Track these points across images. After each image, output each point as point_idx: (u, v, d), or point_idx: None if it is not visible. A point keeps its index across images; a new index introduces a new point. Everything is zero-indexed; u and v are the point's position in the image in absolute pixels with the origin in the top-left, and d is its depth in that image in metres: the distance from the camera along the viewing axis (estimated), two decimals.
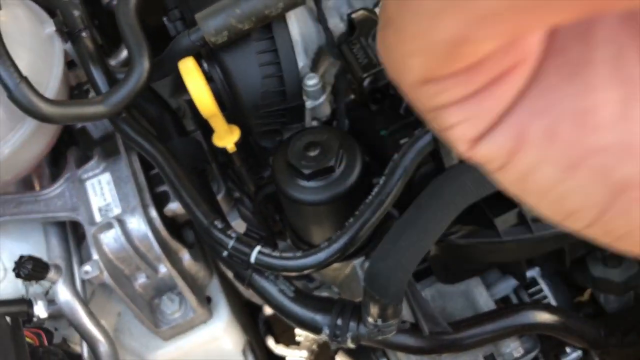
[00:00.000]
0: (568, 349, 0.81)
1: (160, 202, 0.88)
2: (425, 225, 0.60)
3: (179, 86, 1.13)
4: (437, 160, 0.70)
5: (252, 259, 0.69)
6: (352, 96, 0.91)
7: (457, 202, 0.60)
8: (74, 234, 0.93)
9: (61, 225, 0.91)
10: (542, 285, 0.81)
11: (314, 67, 0.80)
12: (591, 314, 0.83)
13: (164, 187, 0.89)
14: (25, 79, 0.68)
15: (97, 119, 0.79)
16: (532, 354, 0.77)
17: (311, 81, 0.77)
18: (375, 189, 0.68)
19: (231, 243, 0.70)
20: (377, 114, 0.89)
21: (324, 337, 0.72)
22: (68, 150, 0.93)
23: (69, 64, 0.93)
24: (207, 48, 0.78)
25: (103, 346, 0.88)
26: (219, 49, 0.76)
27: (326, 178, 0.71)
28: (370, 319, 0.66)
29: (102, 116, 0.74)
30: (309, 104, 0.79)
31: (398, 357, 0.80)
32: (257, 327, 1.25)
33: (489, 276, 0.84)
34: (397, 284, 0.60)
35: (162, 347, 0.96)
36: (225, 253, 0.72)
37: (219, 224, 0.72)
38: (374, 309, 0.64)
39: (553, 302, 0.80)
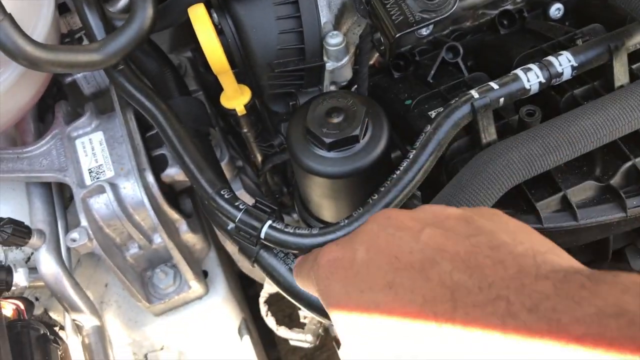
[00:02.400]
0: None
1: (157, 166, 0.80)
2: (465, 205, 0.53)
3: (180, 40, 1.04)
4: (473, 134, 0.63)
5: (262, 234, 0.62)
6: (372, 61, 0.83)
7: (502, 182, 0.53)
8: (60, 197, 0.85)
9: (46, 186, 0.83)
10: None
11: (336, 24, 0.72)
12: None
13: (162, 151, 0.81)
14: (9, 16, 0.59)
15: (91, 69, 0.71)
16: None
17: (334, 40, 0.69)
18: (404, 164, 0.60)
19: (239, 215, 0.63)
20: (400, 81, 0.81)
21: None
22: (57, 104, 0.84)
23: (61, 8, 0.84)
24: None
25: (88, 319, 0.81)
26: None
27: (349, 149, 0.63)
28: None
29: (97, 65, 0.66)
30: (329, 65, 0.71)
31: None
32: (249, 300, 1.18)
33: None
34: None
35: (152, 322, 0.89)
36: (231, 226, 0.64)
37: (225, 193, 0.64)
38: None
39: None
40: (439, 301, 0.34)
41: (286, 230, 0.63)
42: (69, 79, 0.92)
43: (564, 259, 0.34)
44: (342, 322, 0.40)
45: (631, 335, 0.27)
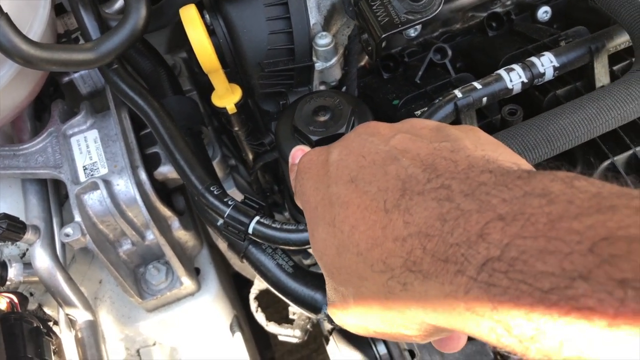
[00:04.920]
0: None
1: (150, 164, 0.82)
2: None
3: (176, 42, 1.06)
4: None
5: (250, 230, 0.63)
6: (362, 63, 0.85)
7: None
8: (55, 194, 0.87)
9: (42, 184, 0.84)
10: None
11: (325, 25, 0.73)
12: None
13: (156, 149, 0.82)
14: (5, 16, 0.61)
15: (85, 67, 0.72)
16: None
17: (323, 40, 0.71)
18: None
19: (228, 211, 0.64)
20: (389, 82, 0.83)
21: (322, 317, 0.67)
22: (53, 102, 0.86)
23: (58, 9, 0.86)
24: None
25: (81, 314, 0.83)
26: None
27: None
28: None
29: (91, 64, 0.67)
30: (318, 65, 0.73)
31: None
32: (244, 300, 1.20)
33: None
34: None
35: (145, 318, 0.91)
36: (220, 222, 0.66)
37: (215, 189, 0.66)
38: None
39: None
40: (391, 190, 0.36)
41: (273, 225, 0.64)
42: (66, 79, 0.93)
43: (520, 165, 0.36)
44: (310, 215, 0.43)
45: (547, 211, 0.28)
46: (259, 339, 1.27)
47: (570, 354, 0.25)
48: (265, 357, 1.49)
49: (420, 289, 0.32)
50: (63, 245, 0.82)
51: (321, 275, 0.71)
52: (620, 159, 0.63)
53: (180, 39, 1.10)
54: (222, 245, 0.96)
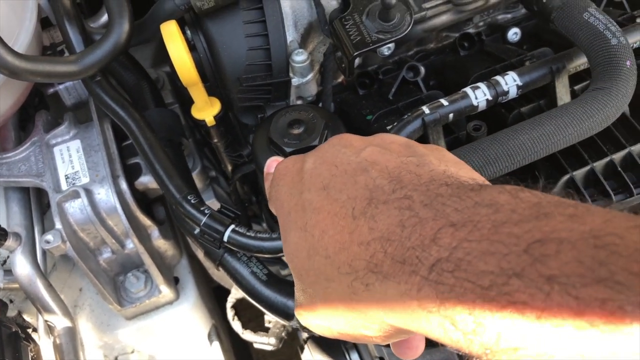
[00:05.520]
0: None
1: (131, 174, 0.84)
2: None
3: (160, 57, 1.09)
4: None
5: (225, 238, 0.66)
6: (339, 80, 0.88)
7: None
8: (37, 202, 0.88)
9: (24, 192, 0.86)
10: None
11: (302, 43, 0.76)
12: None
13: (137, 159, 0.84)
14: None
15: (68, 79, 0.75)
16: None
17: (299, 57, 0.74)
18: None
19: (204, 219, 0.66)
20: (364, 98, 0.86)
21: (294, 323, 0.69)
22: (37, 113, 0.88)
23: (44, 23, 0.88)
24: (192, 14, 0.74)
25: (60, 320, 0.84)
26: (205, 15, 0.72)
27: None
28: None
29: (74, 76, 0.70)
30: (295, 81, 0.76)
31: (369, 348, 0.77)
32: (224, 311, 1.21)
33: None
34: None
35: (124, 326, 0.92)
36: (197, 230, 0.68)
37: (192, 198, 0.68)
38: None
39: None
40: (359, 199, 0.39)
41: (248, 234, 0.66)
42: (51, 90, 0.96)
43: (477, 180, 0.39)
44: (283, 219, 0.45)
45: (493, 219, 0.31)
46: (239, 352, 1.28)
47: (506, 346, 0.27)
48: None
49: (380, 288, 0.35)
50: (44, 252, 0.84)
51: (294, 283, 0.73)
52: (578, 173, 0.66)
53: (164, 54, 1.13)
54: (202, 254, 0.98)
